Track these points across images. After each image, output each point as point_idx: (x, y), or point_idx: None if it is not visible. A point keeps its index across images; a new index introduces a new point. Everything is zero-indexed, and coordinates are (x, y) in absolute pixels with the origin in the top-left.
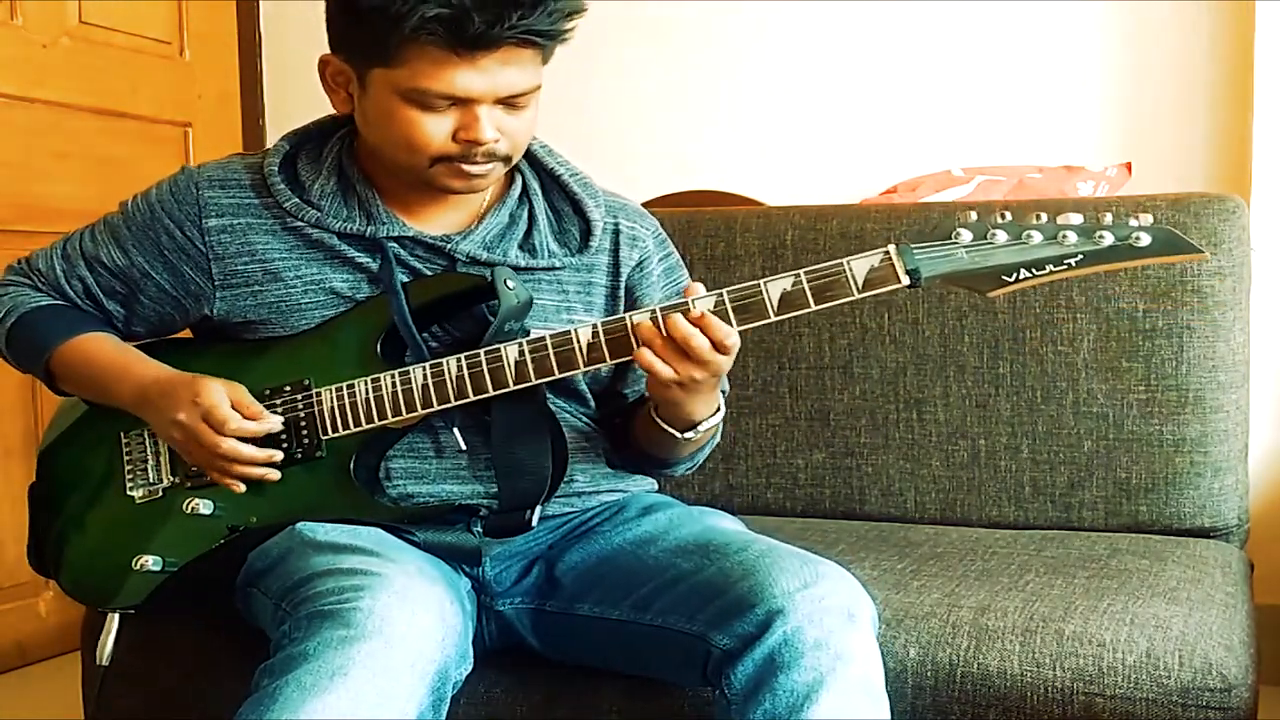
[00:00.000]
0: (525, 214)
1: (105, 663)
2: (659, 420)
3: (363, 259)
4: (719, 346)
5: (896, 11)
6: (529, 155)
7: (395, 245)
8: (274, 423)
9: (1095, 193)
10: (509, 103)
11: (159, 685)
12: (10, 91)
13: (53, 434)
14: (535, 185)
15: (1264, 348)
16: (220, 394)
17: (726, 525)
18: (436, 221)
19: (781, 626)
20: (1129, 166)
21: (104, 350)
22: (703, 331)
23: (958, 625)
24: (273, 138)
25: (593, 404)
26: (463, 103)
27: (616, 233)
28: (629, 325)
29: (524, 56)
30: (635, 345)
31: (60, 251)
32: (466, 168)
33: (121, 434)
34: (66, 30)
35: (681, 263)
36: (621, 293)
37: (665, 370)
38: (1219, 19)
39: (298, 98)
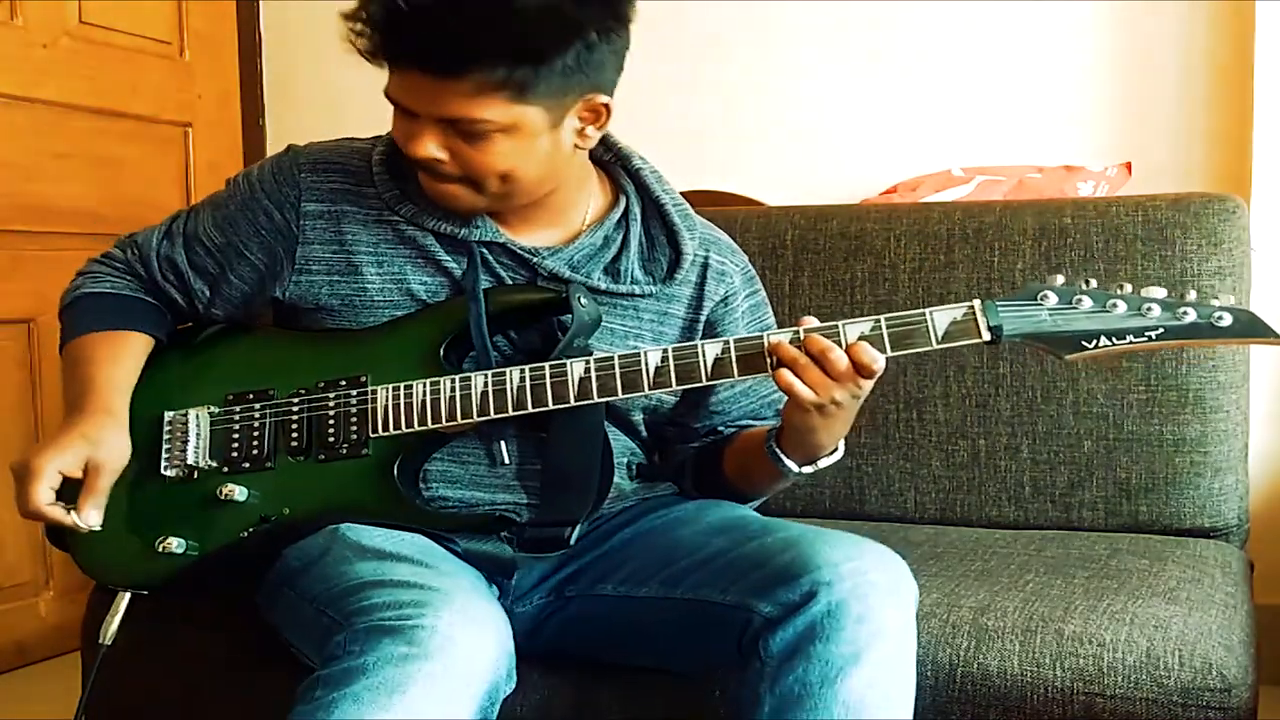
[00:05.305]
0: (620, 237)
1: (108, 642)
2: (780, 452)
3: (448, 261)
4: (862, 369)
5: (897, 11)
6: (637, 179)
7: (484, 250)
8: (77, 519)
9: (1095, 193)
10: (461, 129)
11: (155, 680)
12: (10, 91)
13: None
14: (636, 210)
15: (1264, 348)
16: (60, 465)
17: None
18: (531, 234)
19: (826, 597)
20: (1129, 166)
21: (97, 354)
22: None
23: (958, 625)
24: (273, 137)
25: (644, 435)
26: (407, 112)
27: (705, 266)
28: (765, 345)
29: (464, 87)
30: (770, 366)
31: (164, 228)
32: (423, 176)
33: (166, 413)
34: (66, 30)
35: (767, 301)
36: (700, 326)
37: (807, 393)
38: (1219, 19)
39: (298, 98)
